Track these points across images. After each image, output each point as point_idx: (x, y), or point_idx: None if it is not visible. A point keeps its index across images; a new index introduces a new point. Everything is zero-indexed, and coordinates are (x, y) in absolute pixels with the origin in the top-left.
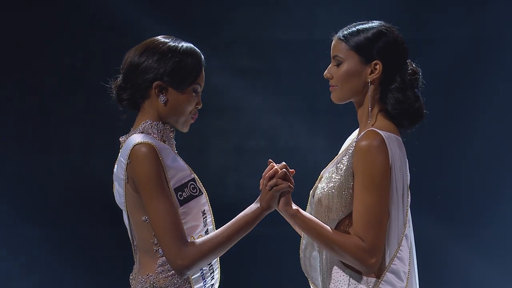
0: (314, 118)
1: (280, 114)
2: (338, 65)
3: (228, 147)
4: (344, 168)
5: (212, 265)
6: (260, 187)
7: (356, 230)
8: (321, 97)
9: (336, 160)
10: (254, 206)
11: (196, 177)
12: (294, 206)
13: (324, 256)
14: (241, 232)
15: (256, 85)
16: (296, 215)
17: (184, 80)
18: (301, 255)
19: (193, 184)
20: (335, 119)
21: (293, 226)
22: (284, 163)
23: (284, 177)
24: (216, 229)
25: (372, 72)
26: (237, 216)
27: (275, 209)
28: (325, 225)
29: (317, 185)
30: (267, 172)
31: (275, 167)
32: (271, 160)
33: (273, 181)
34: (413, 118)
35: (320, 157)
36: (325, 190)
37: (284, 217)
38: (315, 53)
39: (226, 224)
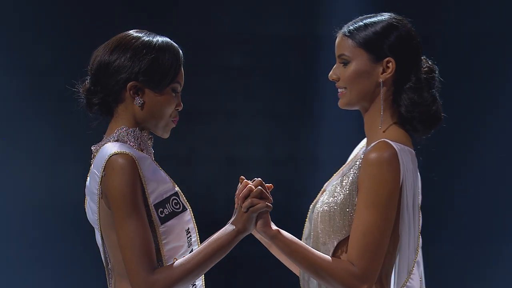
0: (314, 124)
1: (277, 120)
2: (344, 64)
3: (218, 157)
4: (350, 181)
5: (195, 284)
6: (235, 206)
7: (350, 251)
8: (323, 100)
9: (341, 172)
10: (229, 228)
11: (180, 191)
12: (274, 227)
13: None
14: (214, 257)
15: (249, 87)
16: (276, 237)
17: (162, 79)
18: (300, 277)
19: (176, 199)
20: (338, 125)
21: (270, 249)
22: (259, 179)
23: (260, 196)
24: None
25: (384, 71)
26: (210, 239)
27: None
28: (310, 248)
29: (318, 199)
30: (240, 191)
31: (249, 185)
32: (243, 177)
33: (248, 201)
34: (430, 122)
35: (321, 167)
36: (326, 205)
37: (263, 240)
38: (317, 51)
39: (198, 248)
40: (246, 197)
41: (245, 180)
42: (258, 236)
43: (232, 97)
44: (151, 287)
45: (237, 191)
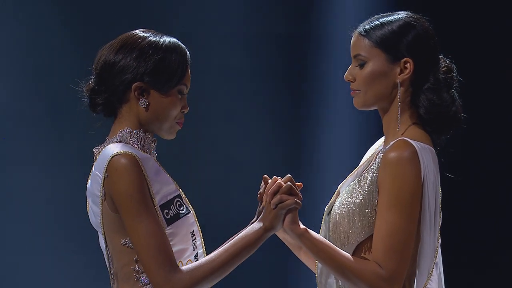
0: (320, 123)
1: (276, 120)
2: (361, 65)
3: (217, 158)
4: (368, 182)
5: None
6: (263, 203)
7: (375, 253)
8: (324, 100)
9: (357, 173)
10: (256, 225)
11: (182, 193)
12: (302, 225)
13: (341, 284)
14: (240, 256)
15: (249, 87)
16: (304, 235)
17: (168, 80)
18: (317, 281)
19: (180, 201)
20: (339, 126)
21: (294, 252)
22: (289, 175)
23: (290, 192)
24: (206, 253)
25: (401, 72)
26: (236, 237)
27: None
28: (337, 248)
29: (334, 201)
30: (269, 187)
31: (279, 181)
32: (266, 176)
33: (277, 197)
34: (450, 124)
35: (322, 169)
36: (344, 206)
37: (286, 241)
38: (318, 50)
39: (224, 246)
40: (275, 193)
41: (275, 176)
42: (281, 236)
43: (231, 98)
44: (174, 286)
45: (267, 187)
